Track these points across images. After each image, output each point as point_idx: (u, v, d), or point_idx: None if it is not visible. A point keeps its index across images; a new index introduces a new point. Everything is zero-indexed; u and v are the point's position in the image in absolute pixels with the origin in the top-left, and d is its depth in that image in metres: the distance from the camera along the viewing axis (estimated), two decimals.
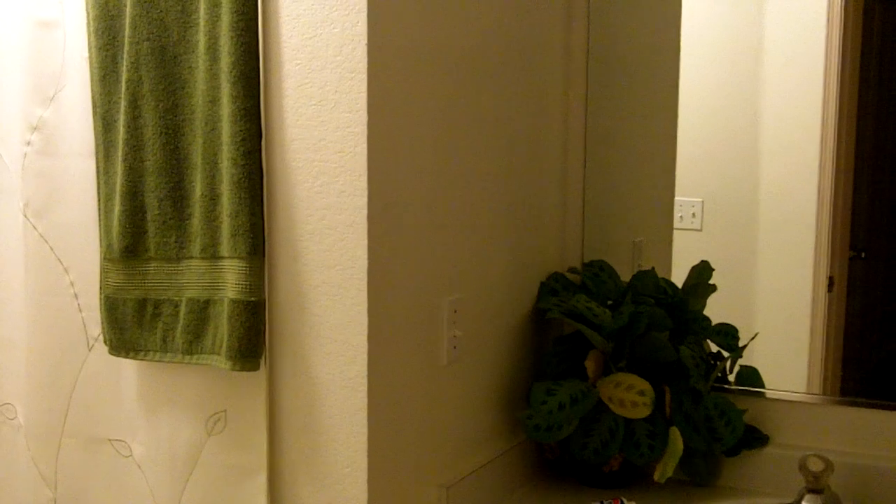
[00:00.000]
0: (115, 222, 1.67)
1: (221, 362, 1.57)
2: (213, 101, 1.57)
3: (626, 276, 2.06)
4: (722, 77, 2.12)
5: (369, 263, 1.50)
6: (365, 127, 1.47)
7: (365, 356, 1.51)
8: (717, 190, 2.14)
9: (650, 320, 1.89)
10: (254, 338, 1.56)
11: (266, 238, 1.57)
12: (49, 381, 1.83)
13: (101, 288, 1.72)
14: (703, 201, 2.14)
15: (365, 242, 1.49)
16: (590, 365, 1.90)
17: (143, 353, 1.69)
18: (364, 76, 1.46)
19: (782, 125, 2.07)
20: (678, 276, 2.08)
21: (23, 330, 1.86)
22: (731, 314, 2.04)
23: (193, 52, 1.59)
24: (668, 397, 1.88)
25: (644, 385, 1.85)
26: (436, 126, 1.63)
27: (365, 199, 1.48)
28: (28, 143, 1.79)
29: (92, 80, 1.70)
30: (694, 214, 2.15)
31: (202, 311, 1.62)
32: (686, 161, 2.13)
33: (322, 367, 1.55)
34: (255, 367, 1.57)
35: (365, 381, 1.51)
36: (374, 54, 1.47)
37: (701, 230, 2.15)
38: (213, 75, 1.56)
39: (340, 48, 1.47)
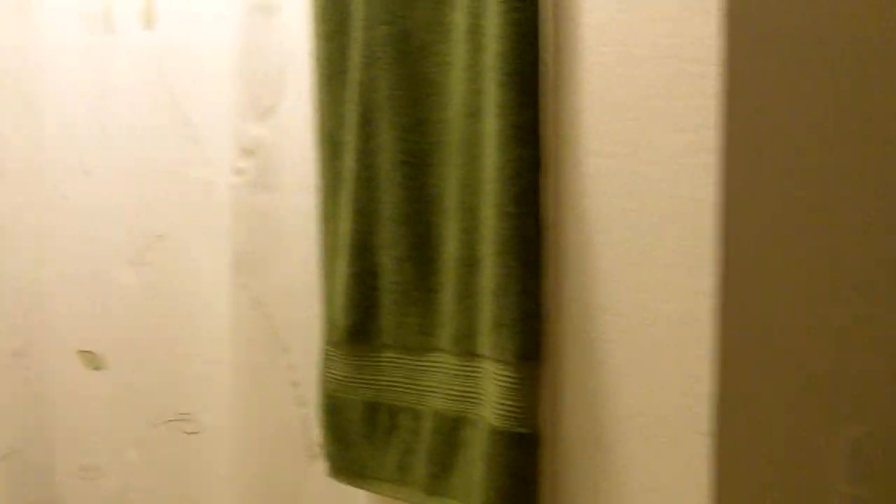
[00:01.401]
0: (341, 289, 1.17)
1: None
2: (474, 115, 1.02)
3: None
4: None
5: (720, 383, 0.90)
6: (714, 156, 0.87)
7: None
8: None
9: None
10: (523, 490, 1.01)
11: (547, 333, 1.00)
12: (261, 495, 1.36)
13: (321, 381, 1.22)
14: None
15: (709, 347, 0.91)
16: None
17: (370, 482, 1.18)
18: (715, 71, 0.86)
19: None
20: None
21: (229, 421, 1.40)
22: None
23: (447, 40, 1.06)
24: None
25: None
26: (822, 152, 1.00)
27: (712, 279, 0.89)
28: (239, 172, 1.33)
29: (315, 85, 1.20)
30: None
31: (452, 432, 1.08)
32: None
33: None
34: None
35: None
36: (735, 38, 0.87)
37: None
38: (474, 74, 1.02)
39: (677, 27, 0.88)
